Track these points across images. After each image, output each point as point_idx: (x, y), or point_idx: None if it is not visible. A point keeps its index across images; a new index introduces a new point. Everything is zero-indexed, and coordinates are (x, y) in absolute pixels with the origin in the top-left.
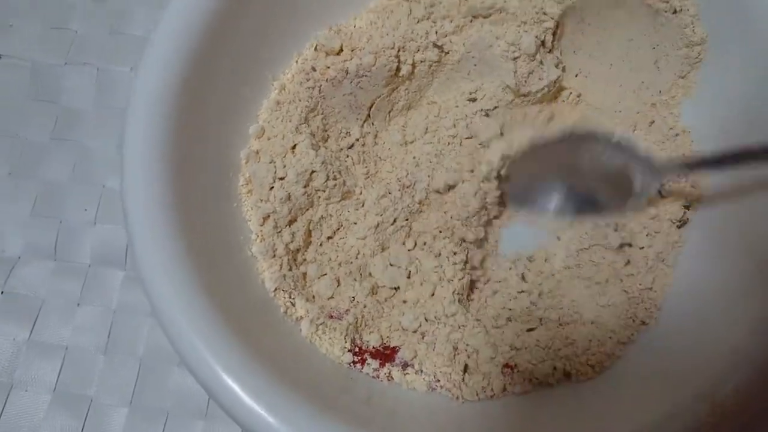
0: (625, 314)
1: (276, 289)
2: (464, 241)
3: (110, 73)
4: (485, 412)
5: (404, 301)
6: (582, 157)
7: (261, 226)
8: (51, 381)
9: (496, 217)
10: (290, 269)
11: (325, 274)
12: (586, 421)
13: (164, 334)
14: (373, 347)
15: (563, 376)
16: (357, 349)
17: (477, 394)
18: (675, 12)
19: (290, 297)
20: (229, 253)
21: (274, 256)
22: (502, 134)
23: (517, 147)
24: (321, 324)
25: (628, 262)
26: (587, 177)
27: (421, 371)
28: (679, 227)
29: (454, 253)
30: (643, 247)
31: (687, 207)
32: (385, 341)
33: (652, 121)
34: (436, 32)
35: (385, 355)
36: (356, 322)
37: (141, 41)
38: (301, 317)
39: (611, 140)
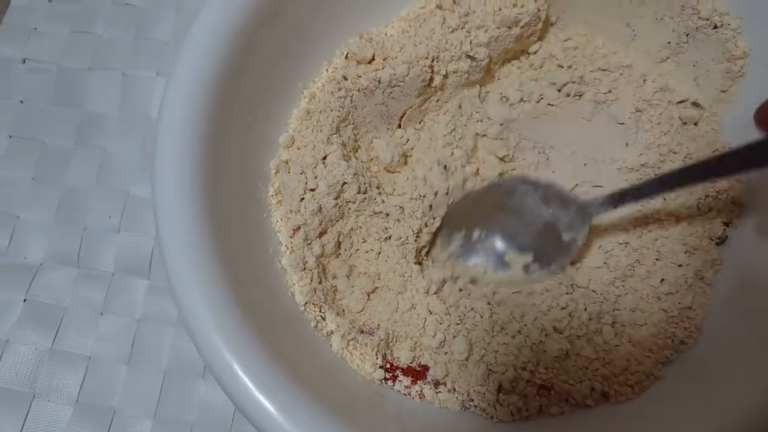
0: (663, 334)
1: (306, 303)
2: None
3: (135, 78)
4: None
5: (439, 322)
6: (513, 202)
7: (291, 237)
8: (74, 391)
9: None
10: (320, 282)
11: (355, 287)
12: None
13: (195, 347)
14: (405, 364)
15: (601, 397)
16: (388, 366)
17: (512, 415)
18: (715, 27)
19: (320, 311)
20: (260, 265)
21: (305, 269)
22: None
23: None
24: (352, 339)
25: (662, 280)
26: (521, 224)
27: (454, 390)
28: (718, 245)
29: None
30: (681, 265)
31: (727, 224)
32: (416, 358)
33: (694, 139)
34: (471, 42)
35: (417, 372)
36: (387, 338)
37: (166, 46)
38: (332, 332)
39: (538, 184)
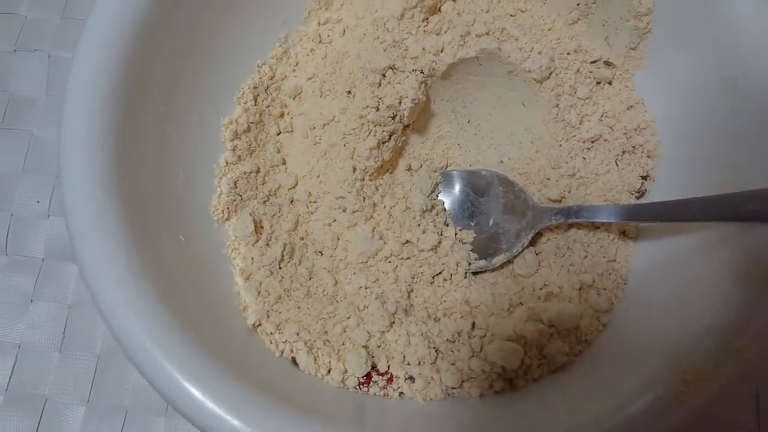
0: (597, 285)
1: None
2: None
3: (62, 59)
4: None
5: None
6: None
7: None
8: (3, 381)
9: None
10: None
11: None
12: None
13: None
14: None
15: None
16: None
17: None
18: None
19: (278, 328)
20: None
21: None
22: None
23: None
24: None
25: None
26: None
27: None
28: (637, 198)
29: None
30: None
31: (644, 177)
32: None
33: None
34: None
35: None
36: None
37: None
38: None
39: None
